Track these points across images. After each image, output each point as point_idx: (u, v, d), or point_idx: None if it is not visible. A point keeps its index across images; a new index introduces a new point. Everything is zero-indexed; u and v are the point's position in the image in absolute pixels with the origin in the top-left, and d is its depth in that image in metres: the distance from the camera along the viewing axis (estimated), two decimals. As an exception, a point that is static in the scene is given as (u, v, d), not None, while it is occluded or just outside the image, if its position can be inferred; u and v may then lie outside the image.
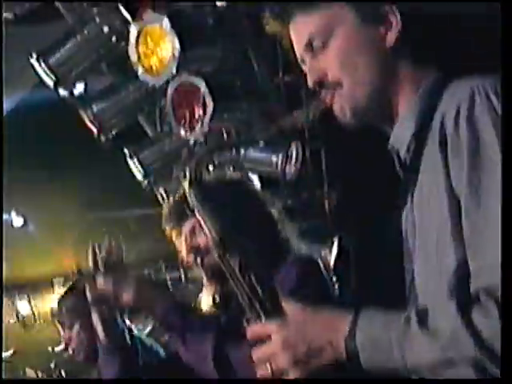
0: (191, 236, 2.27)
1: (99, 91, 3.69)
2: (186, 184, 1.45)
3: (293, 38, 1.51)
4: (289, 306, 1.36)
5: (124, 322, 2.36)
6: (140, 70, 3.26)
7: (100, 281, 2.15)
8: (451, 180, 1.26)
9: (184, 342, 2.06)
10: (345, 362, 1.29)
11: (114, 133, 3.80)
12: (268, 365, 1.34)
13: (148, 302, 2.14)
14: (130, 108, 3.77)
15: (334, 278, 4.67)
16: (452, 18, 1.56)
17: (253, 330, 1.38)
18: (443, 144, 1.27)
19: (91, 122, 3.74)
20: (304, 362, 1.31)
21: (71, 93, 3.62)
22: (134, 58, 3.27)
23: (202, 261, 2.25)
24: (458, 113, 1.25)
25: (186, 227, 2.28)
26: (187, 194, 1.46)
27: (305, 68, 1.50)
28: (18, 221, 5.93)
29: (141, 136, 3.93)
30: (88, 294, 2.21)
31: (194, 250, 2.26)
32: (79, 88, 3.62)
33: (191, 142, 3.55)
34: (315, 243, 4.69)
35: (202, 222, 1.44)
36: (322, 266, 2.19)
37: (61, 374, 2.75)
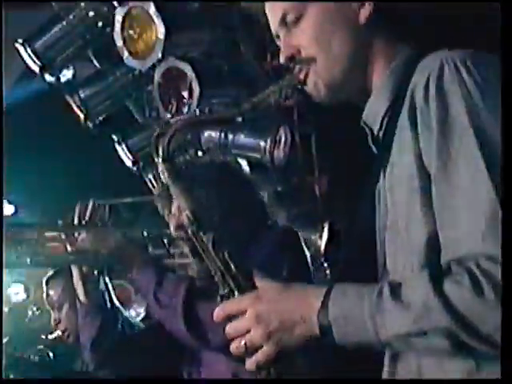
0: (179, 212, 2.27)
1: (86, 77, 3.68)
2: (159, 160, 1.44)
3: (268, 13, 1.51)
4: (262, 282, 1.36)
5: (105, 282, 2.37)
6: (125, 55, 3.25)
7: (81, 236, 2.20)
8: (421, 153, 1.26)
9: (156, 298, 2.10)
10: (318, 336, 1.30)
11: (101, 119, 3.79)
12: (242, 340, 1.34)
13: (126, 259, 2.18)
14: (117, 94, 3.76)
15: (325, 264, 4.70)
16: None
17: (225, 305, 1.38)
18: (413, 117, 1.28)
19: (78, 107, 3.73)
20: (277, 337, 1.31)
21: (58, 79, 3.60)
22: (119, 42, 3.26)
23: (187, 237, 2.26)
24: (427, 84, 1.26)
25: (175, 204, 2.29)
26: (160, 171, 1.45)
27: (279, 43, 1.50)
28: (9, 209, 5.91)
29: (129, 122, 3.91)
30: (68, 247, 2.27)
31: (181, 226, 2.27)
32: (66, 74, 3.61)
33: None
34: (305, 228, 4.69)
35: (175, 199, 1.44)
36: (301, 238, 2.21)
37: (49, 356, 2.76)
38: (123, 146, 4.00)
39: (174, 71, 3.37)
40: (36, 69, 3.46)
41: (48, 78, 3.54)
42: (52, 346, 2.80)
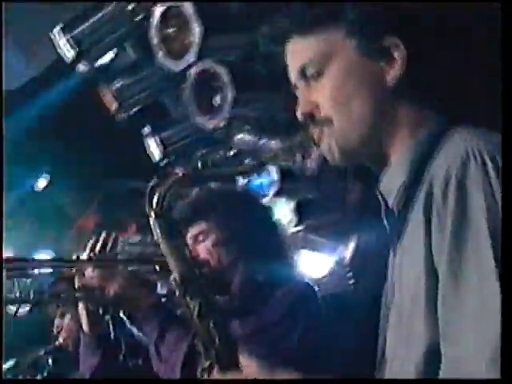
0: (193, 242, 2.19)
1: (121, 68, 3.61)
2: (151, 214, 1.37)
3: (288, 60, 1.40)
4: (246, 361, 1.28)
5: (110, 315, 2.32)
6: (160, 54, 3.17)
7: (88, 272, 2.12)
8: (432, 250, 1.15)
9: (157, 351, 2.02)
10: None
11: (133, 111, 3.74)
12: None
13: (131, 302, 2.10)
14: (151, 87, 3.69)
15: (350, 274, 4.59)
16: (458, 57, 1.42)
17: None
18: (429, 206, 1.16)
19: (112, 97, 3.67)
20: None
21: (93, 68, 3.55)
22: (155, 40, 3.17)
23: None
24: (448, 176, 1.14)
25: (191, 232, 2.20)
26: (151, 225, 1.38)
27: (298, 95, 1.40)
28: (42, 181, 5.92)
29: (161, 117, 3.84)
30: (76, 282, 2.20)
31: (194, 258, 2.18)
32: (101, 63, 3.55)
33: (210, 128, 3.47)
34: (332, 238, 4.59)
35: (166, 255, 1.37)
36: (316, 291, 2.11)
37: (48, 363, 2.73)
38: (156, 138, 3.95)
39: (209, 73, 3.28)
40: (71, 56, 3.41)
41: (82, 67, 3.48)
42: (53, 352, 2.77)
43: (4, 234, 3.25)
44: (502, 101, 1.17)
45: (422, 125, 1.29)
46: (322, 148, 1.34)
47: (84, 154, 4.69)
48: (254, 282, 2.06)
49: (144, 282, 2.16)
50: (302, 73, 1.34)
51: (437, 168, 1.19)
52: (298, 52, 1.36)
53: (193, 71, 3.32)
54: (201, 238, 2.14)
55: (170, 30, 3.10)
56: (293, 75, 1.38)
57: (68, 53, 3.39)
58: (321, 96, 1.32)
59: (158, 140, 3.92)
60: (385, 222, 1.34)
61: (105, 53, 3.48)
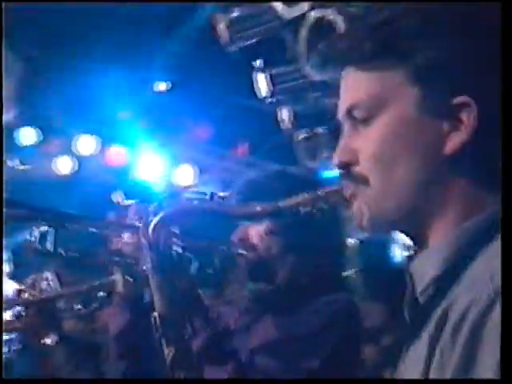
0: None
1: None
2: (145, 243, 1.24)
3: (340, 91, 1.18)
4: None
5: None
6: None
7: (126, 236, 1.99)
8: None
9: None
10: None
11: (247, 43, 3.57)
12: None
13: None
14: (269, 23, 3.48)
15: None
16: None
17: None
18: (436, 337, 0.96)
19: (226, 27, 3.51)
20: None
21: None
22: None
23: None
24: (464, 316, 0.93)
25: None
26: (143, 257, 1.25)
27: (341, 134, 1.18)
28: (163, 85, 5.92)
29: (275, 54, 3.66)
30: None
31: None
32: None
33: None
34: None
35: (153, 289, 1.25)
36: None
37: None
38: (266, 74, 3.78)
39: (325, 21, 3.02)
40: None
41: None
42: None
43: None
44: (502, 101, 1.01)
45: (473, 211, 1.05)
46: (352, 208, 1.13)
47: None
48: (299, 281, 1.92)
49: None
50: (350, 113, 1.12)
51: (464, 287, 0.98)
52: (350, 87, 1.13)
53: (310, 16, 3.07)
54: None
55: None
56: (341, 110, 1.15)
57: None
58: (363, 148, 1.10)
59: (268, 76, 3.75)
60: (405, 308, 1.14)
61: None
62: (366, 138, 1.10)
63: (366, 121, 1.10)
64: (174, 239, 1.84)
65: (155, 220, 1.23)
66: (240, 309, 2.05)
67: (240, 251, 1.97)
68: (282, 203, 1.26)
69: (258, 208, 1.25)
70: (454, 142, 1.04)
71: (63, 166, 6.81)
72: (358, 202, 1.12)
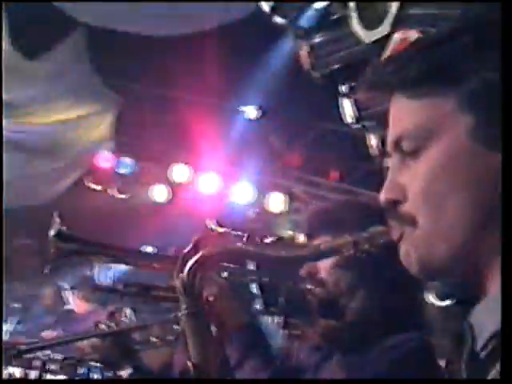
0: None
1: (319, 24, 3.35)
2: (179, 286, 1.18)
3: (389, 120, 1.07)
4: None
5: None
6: (354, 21, 2.85)
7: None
8: None
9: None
10: None
11: (328, 70, 3.50)
12: None
13: (219, 314, 1.85)
14: (349, 47, 3.40)
15: None
16: None
17: None
18: None
19: (308, 53, 3.46)
20: None
21: (290, 22, 3.34)
22: (351, 3, 2.86)
23: None
24: None
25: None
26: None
27: (389, 167, 1.07)
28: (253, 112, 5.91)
29: (357, 78, 3.56)
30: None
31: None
32: (299, 19, 3.32)
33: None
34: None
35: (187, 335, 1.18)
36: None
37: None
38: (351, 99, 3.69)
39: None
40: (267, 8, 3.23)
41: (279, 19, 3.28)
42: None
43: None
44: (502, 100, 0.91)
45: None
46: (399, 251, 1.02)
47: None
48: (369, 317, 1.80)
49: (243, 295, 1.91)
50: (398, 145, 1.01)
51: None
52: (397, 116, 1.02)
53: (394, 38, 2.96)
54: None
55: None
56: (389, 142, 1.04)
57: (265, 5, 3.21)
58: (411, 184, 0.99)
59: (353, 102, 3.66)
60: (462, 362, 1.01)
61: (302, 8, 3.24)
62: (414, 172, 0.98)
63: (414, 154, 0.98)
64: (240, 275, 1.78)
65: (191, 262, 1.17)
66: (310, 345, 1.95)
67: (308, 286, 1.88)
68: (323, 246, 1.17)
69: (297, 252, 1.17)
70: None
71: (159, 194, 6.95)
72: (405, 244, 1.00)
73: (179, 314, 1.20)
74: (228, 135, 6.21)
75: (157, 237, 6.03)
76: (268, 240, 1.37)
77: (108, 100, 5.89)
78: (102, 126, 6.27)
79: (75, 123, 5.96)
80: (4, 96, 5.33)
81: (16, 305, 4.69)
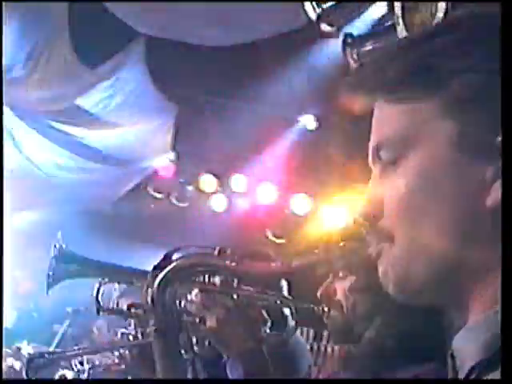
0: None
1: (365, 35, 3.29)
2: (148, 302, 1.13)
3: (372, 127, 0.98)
4: None
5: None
6: (400, 27, 2.76)
7: (192, 295, 1.82)
8: None
9: None
10: None
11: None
12: None
13: (225, 339, 1.76)
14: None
15: None
16: None
17: None
18: None
19: (354, 60, 3.39)
20: None
21: (337, 30, 3.28)
22: (397, 10, 2.77)
23: None
24: None
25: None
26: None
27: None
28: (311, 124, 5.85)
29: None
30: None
31: None
32: (346, 28, 3.27)
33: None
34: None
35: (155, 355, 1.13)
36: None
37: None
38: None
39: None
40: (314, 16, 3.18)
41: (325, 27, 3.23)
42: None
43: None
44: (502, 101, 0.81)
45: None
46: (379, 270, 0.94)
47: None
48: (384, 345, 1.70)
49: (250, 319, 1.83)
50: (378, 153, 0.93)
51: None
52: (378, 122, 0.93)
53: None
54: (341, 274, 1.81)
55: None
56: (370, 150, 0.95)
57: (312, 12, 3.16)
58: (389, 197, 0.91)
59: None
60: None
61: (348, 18, 3.18)
62: (392, 184, 0.90)
63: (393, 163, 0.89)
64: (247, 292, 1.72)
65: (162, 274, 1.12)
66: (328, 370, 1.87)
67: (324, 308, 1.81)
68: (294, 263, 1.11)
69: (269, 268, 1.11)
70: (497, 192, 0.82)
71: (218, 203, 6.96)
72: (383, 263, 0.92)
73: (147, 330, 1.15)
74: (286, 145, 6.17)
75: (215, 245, 6.03)
76: (242, 255, 1.31)
77: (168, 110, 5.95)
78: (162, 135, 6.35)
79: (136, 132, 6.05)
80: (77, 102, 5.47)
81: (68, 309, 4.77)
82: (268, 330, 1.84)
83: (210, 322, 1.72)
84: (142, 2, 4.78)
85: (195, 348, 1.65)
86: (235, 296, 1.74)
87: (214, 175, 6.75)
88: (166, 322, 1.13)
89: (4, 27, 3.92)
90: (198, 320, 1.73)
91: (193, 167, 6.94)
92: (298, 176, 6.35)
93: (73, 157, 6.15)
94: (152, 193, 7.16)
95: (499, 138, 0.81)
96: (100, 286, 1.90)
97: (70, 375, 2.40)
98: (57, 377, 2.42)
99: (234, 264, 1.19)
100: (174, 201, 7.15)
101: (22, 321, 6.40)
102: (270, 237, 6.62)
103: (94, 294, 1.83)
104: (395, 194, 0.86)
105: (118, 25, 5.01)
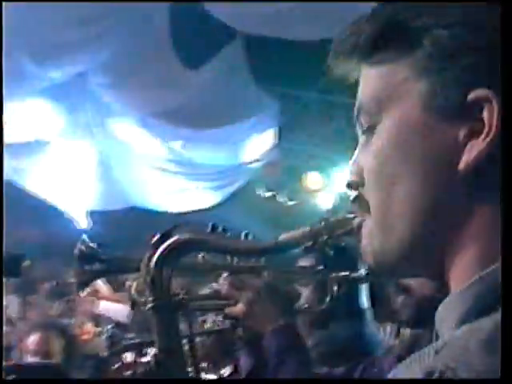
0: None
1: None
2: (147, 280, 1.12)
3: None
4: None
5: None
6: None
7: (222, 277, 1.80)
8: None
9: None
10: None
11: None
12: None
13: (257, 319, 1.74)
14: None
15: None
16: None
17: None
18: None
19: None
20: None
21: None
22: None
23: None
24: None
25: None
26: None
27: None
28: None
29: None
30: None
31: None
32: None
33: None
34: None
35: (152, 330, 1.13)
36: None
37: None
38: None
39: None
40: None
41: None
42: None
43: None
44: (503, 100, 0.69)
45: (492, 253, 0.75)
46: (362, 241, 0.88)
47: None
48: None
49: (282, 296, 1.78)
50: (358, 119, 0.87)
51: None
52: (360, 89, 0.88)
53: None
54: None
55: None
56: (354, 117, 0.90)
57: None
58: (365, 164, 0.85)
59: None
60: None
61: None
62: (368, 152, 0.85)
63: (371, 129, 0.85)
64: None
65: (160, 249, 1.11)
66: (397, 356, 1.83)
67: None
68: (280, 238, 1.08)
69: (257, 244, 1.09)
70: (471, 153, 0.74)
71: (324, 200, 6.94)
72: (364, 232, 0.87)
73: (146, 308, 1.15)
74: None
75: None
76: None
77: (268, 108, 5.98)
78: (267, 133, 6.38)
79: (237, 132, 6.12)
80: (171, 105, 5.61)
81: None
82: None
83: (242, 303, 1.71)
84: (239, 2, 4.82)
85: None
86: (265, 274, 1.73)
87: (319, 172, 6.72)
88: (164, 298, 1.14)
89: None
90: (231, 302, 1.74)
91: (298, 165, 6.95)
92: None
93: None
94: (261, 192, 7.24)
95: (469, 95, 0.74)
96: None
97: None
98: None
99: (224, 241, 1.18)
100: (281, 199, 7.19)
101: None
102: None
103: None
104: (370, 161, 0.82)
105: (217, 25, 5.09)
